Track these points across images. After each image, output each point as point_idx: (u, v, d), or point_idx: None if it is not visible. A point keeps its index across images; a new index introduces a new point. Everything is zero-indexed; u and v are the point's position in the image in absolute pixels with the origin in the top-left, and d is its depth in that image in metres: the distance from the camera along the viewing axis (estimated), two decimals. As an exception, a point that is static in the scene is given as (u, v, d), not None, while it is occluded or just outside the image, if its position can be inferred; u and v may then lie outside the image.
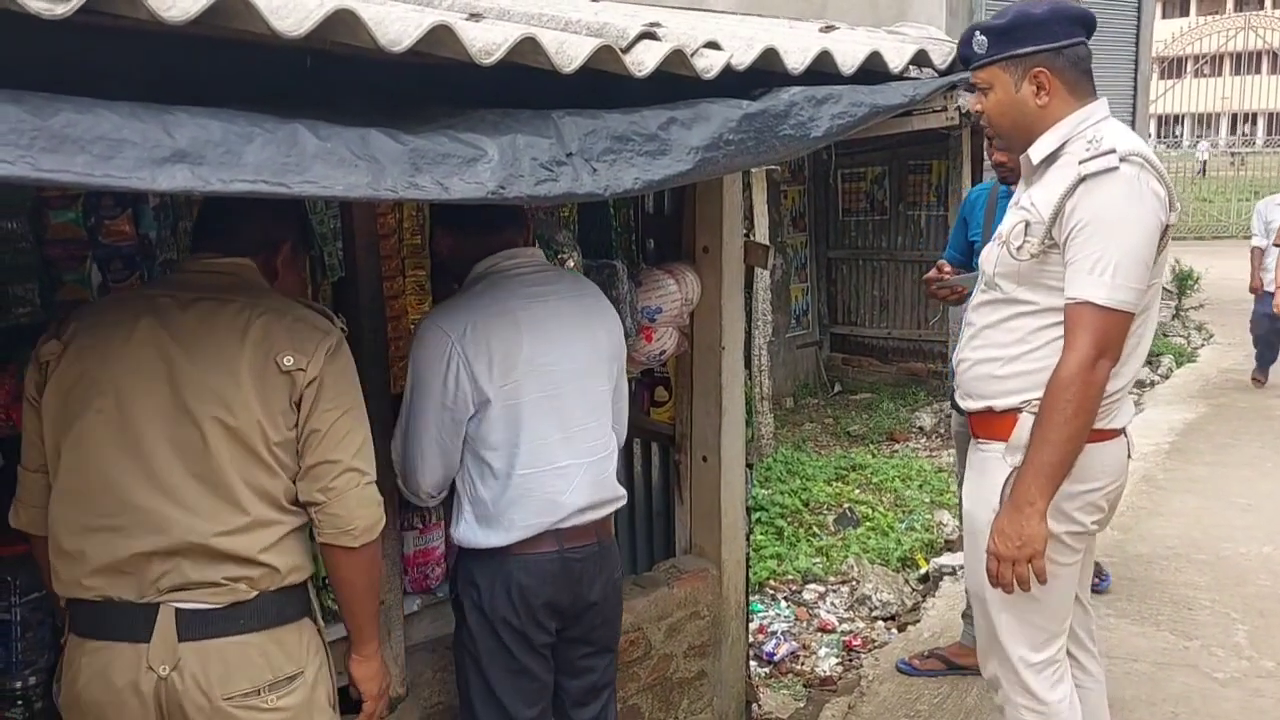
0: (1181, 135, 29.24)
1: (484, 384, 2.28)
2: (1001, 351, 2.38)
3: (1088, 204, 2.20)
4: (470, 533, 2.37)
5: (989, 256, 2.45)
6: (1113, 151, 2.20)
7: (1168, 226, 2.26)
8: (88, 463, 1.88)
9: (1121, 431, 2.43)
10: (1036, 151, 2.35)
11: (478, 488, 2.36)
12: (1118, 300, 2.19)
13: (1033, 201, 2.31)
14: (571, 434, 2.38)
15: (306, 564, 1.99)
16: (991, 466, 2.39)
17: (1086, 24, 2.36)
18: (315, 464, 1.92)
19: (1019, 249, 2.30)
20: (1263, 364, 8.66)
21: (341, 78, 1.89)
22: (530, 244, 2.49)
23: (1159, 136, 26.88)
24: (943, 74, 2.55)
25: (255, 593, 1.90)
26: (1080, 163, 2.22)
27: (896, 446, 7.29)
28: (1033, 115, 2.34)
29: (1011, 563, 2.24)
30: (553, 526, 2.36)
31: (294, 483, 1.94)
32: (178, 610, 1.86)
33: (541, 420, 2.33)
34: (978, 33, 2.36)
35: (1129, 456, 2.49)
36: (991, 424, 2.42)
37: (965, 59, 2.42)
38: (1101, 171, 2.19)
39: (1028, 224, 2.30)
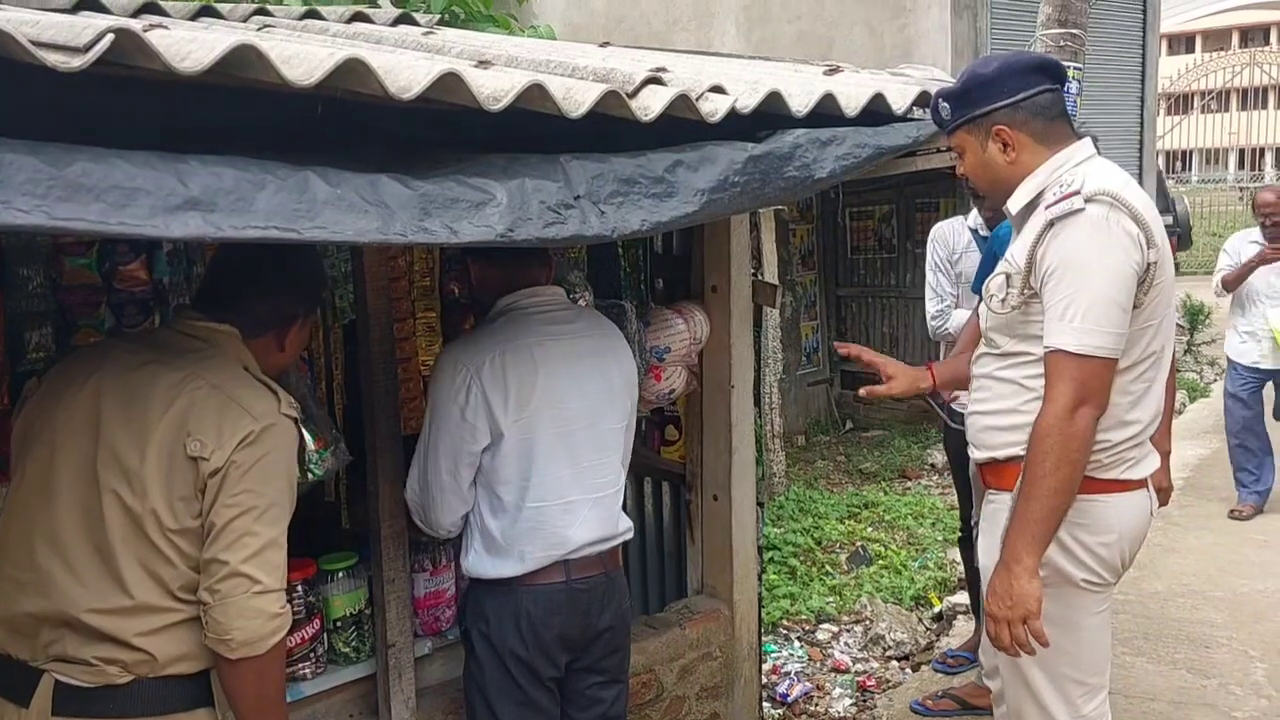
0: (1190, 171, 29.27)
1: (499, 417, 2.31)
2: (1001, 403, 2.35)
3: (1055, 249, 2.16)
4: (479, 563, 2.39)
5: (980, 311, 2.44)
6: (1077, 193, 2.15)
7: (1150, 265, 2.18)
8: (15, 510, 1.84)
9: (1143, 483, 2.34)
10: (1014, 203, 2.32)
11: (486, 519, 2.38)
12: (1090, 345, 2.11)
13: (1012, 253, 2.29)
14: (581, 470, 2.41)
15: (203, 656, 1.83)
16: (1001, 519, 2.31)
17: (1046, 71, 2.32)
18: (207, 560, 1.79)
19: (1001, 302, 2.28)
20: (1247, 483, 6.28)
21: (352, 124, 1.92)
22: (552, 283, 2.52)
23: (1168, 172, 26.97)
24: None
25: (130, 678, 1.79)
26: (1047, 208, 2.19)
27: (909, 484, 7.25)
28: (1004, 171, 2.32)
29: (1007, 624, 2.16)
30: (561, 558, 2.38)
31: (197, 573, 1.81)
32: (57, 682, 1.78)
33: (553, 455, 2.36)
34: (940, 100, 2.36)
35: (1152, 513, 2.39)
36: (998, 473, 2.38)
37: (938, 125, 2.42)
38: (1067, 214, 2.14)
39: (1008, 276, 2.27)
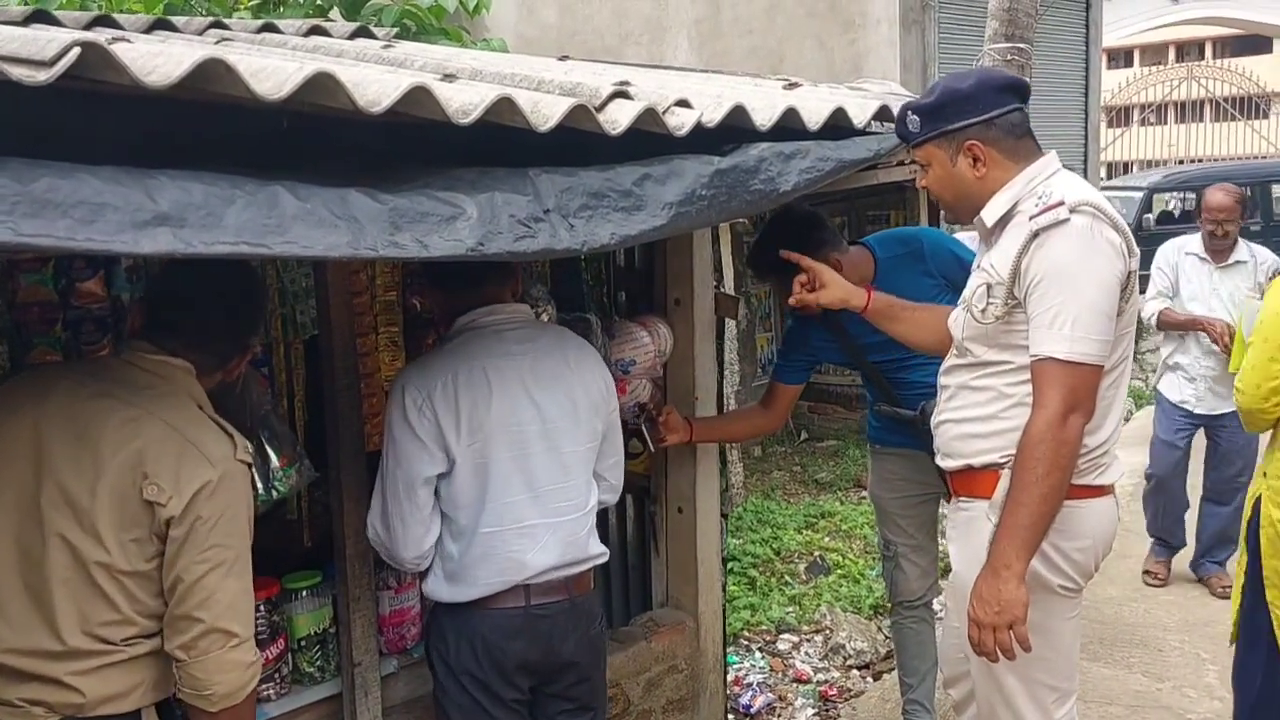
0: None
1: (451, 442, 2.27)
2: (978, 410, 2.36)
3: (1041, 258, 2.19)
4: (438, 586, 2.37)
5: (955, 321, 2.45)
6: (1062, 204, 2.19)
7: (1130, 273, 2.24)
8: None
9: (1111, 489, 2.39)
10: (990, 214, 2.35)
11: (445, 543, 2.35)
12: (1080, 353, 2.15)
13: (992, 263, 2.31)
14: (540, 494, 2.36)
15: (135, 694, 1.81)
16: (977, 526, 2.34)
17: (1017, 90, 2.37)
18: (178, 617, 1.77)
19: (983, 312, 2.30)
20: (1165, 541, 5.40)
21: (320, 138, 1.91)
22: (518, 299, 2.49)
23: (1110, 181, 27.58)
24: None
25: (56, 718, 1.75)
26: (1031, 218, 2.22)
27: (864, 493, 7.28)
28: (973, 186, 2.35)
29: (992, 629, 2.17)
30: (520, 583, 2.34)
31: (144, 619, 1.79)
32: None
33: (508, 480, 2.32)
34: (909, 113, 2.38)
35: (1118, 516, 2.44)
36: (971, 481, 2.40)
37: (903, 137, 2.43)
38: (1053, 225, 2.18)
39: (989, 286, 2.29)
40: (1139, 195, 13.64)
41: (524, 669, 2.37)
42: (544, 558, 2.35)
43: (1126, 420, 9.25)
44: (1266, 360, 2.81)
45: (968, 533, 2.40)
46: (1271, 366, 2.80)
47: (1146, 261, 4.15)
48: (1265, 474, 2.96)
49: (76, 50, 1.34)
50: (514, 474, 2.32)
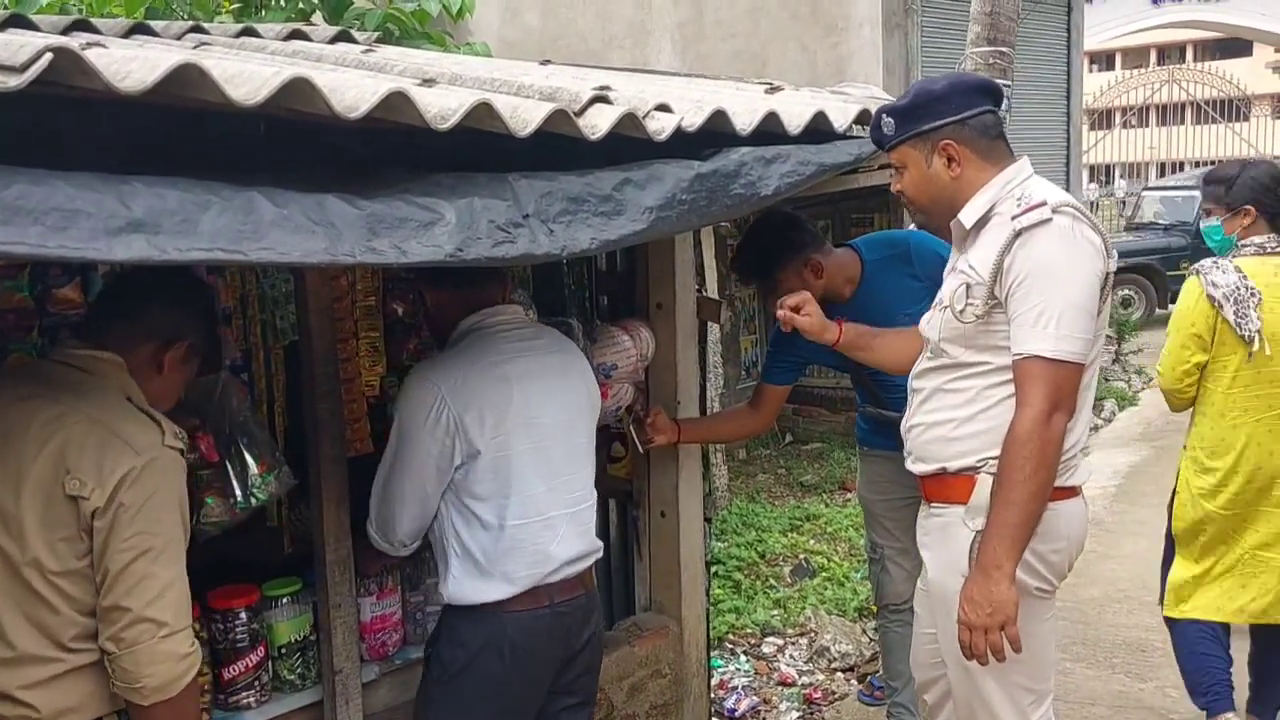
0: (1114, 183, 30.00)
1: (474, 436, 2.28)
2: (954, 413, 2.36)
3: (1024, 257, 2.20)
4: (459, 587, 2.34)
5: (931, 323, 2.45)
6: (1044, 203, 2.21)
7: (1108, 274, 2.26)
8: None
9: (1081, 489, 2.40)
10: (968, 215, 2.35)
11: (465, 540, 2.33)
12: (1065, 351, 2.16)
13: (970, 264, 2.31)
14: (556, 485, 2.40)
15: (92, 705, 1.78)
16: (953, 532, 2.34)
17: (990, 92, 2.38)
18: (107, 608, 1.74)
19: (962, 312, 2.30)
20: None
21: (298, 144, 1.90)
22: (509, 301, 2.52)
23: (1096, 183, 27.70)
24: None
25: None
26: (1013, 218, 2.23)
27: (848, 495, 7.30)
28: (948, 188, 2.37)
29: (984, 631, 2.16)
30: (544, 580, 2.35)
31: (85, 617, 1.76)
32: None
33: (530, 472, 2.35)
34: (884, 115, 2.39)
35: (1088, 518, 2.45)
36: (945, 486, 2.39)
37: (877, 142, 2.45)
38: (1036, 224, 2.20)
39: (969, 286, 2.29)
40: (1197, 193, 13.64)
41: (548, 667, 2.39)
42: (565, 549, 2.38)
43: (1109, 421, 9.31)
44: (1178, 348, 3.27)
45: (943, 539, 2.39)
46: (1182, 353, 3.26)
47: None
48: (1185, 447, 3.42)
49: (48, 56, 1.33)
50: (534, 466, 2.35)
